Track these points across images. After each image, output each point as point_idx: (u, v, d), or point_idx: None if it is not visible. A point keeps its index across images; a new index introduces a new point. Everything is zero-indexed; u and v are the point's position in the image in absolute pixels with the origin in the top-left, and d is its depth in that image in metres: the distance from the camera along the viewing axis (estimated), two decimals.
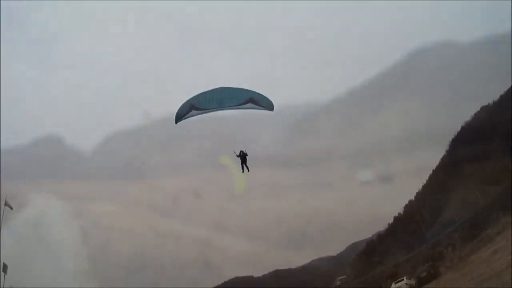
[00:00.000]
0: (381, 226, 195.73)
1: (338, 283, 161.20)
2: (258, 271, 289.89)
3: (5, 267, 35.23)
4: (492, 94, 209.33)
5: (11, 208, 40.07)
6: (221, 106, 14.41)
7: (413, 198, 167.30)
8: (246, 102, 14.79)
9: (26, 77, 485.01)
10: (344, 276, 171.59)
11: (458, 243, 61.41)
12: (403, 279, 44.90)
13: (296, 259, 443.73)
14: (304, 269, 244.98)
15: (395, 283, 45.82)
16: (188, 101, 14.45)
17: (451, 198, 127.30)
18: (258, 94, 14.89)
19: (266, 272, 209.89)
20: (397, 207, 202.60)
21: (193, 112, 14.68)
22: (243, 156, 16.71)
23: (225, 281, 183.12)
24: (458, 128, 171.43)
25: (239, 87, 14.80)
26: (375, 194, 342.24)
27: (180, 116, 14.59)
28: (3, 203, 38.68)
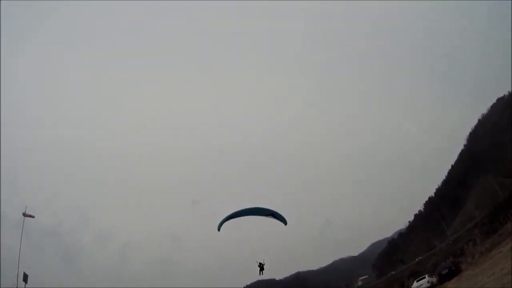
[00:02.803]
0: (402, 224, 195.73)
1: (360, 283, 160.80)
2: (280, 274, 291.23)
3: (25, 277, 35.78)
4: (507, 85, 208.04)
5: (33, 217, 40.83)
6: (251, 214, 18.56)
7: (432, 194, 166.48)
8: (269, 215, 19.20)
9: None
10: (366, 276, 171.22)
11: (479, 238, 60.86)
12: (424, 277, 44.39)
13: (318, 260, 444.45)
14: (326, 270, 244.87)
15: (417, 281, 45.32)
16: (230, 214, 18.32)
17: (470, 193, 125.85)
18: (279, 213, 19.39)
19: (287, 274, 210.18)
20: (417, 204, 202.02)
21: (230, 219, 18.49)
22: (262, 265, 20.53)
23: (247, 285, 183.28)
24: (475, 122, 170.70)
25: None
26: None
27: (221, 224, 18.30)
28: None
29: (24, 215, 40.01)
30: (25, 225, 39.63)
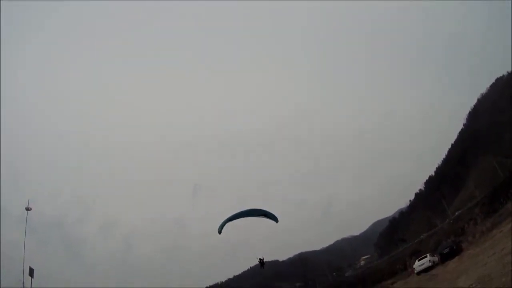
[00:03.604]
0: (403, 203, 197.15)
1: (362, 262, 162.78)
2: (283, 255, 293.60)
3: (31, 271, 35.74)
4: (506, 64, 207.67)
5: (30, 209, 40.68)
6: (246, 216, 20.13)
7: (433, 173, 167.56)
8: (261, 215, 20.64)
9: None
10: (368, 255, 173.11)
11: (479, 218, 61.68)
12: (426, 256, 45.08)
13: (320, 241, 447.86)
14: (328, 250, 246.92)
15: (419, 260, 45.99)
16: (227, 218, 19.69)
17: (470, 172, 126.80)
18: (270, 212, 20.83)
19: (291, 255, 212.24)
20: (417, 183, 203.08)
21: (228, 222, 19.84)
22: (262, 261, 22.62)
23: (251, 267, 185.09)
24: (475, 101, 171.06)
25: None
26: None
27: (222, 227, 19.73)
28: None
29: (27, 209, 40.30)
30: (29, 219, 39.94)
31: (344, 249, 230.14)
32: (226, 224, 20.24)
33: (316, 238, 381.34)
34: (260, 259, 22.74)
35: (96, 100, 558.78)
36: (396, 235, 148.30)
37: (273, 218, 21.05)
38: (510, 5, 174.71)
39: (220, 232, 19.98)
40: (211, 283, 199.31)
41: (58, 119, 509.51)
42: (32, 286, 35.15)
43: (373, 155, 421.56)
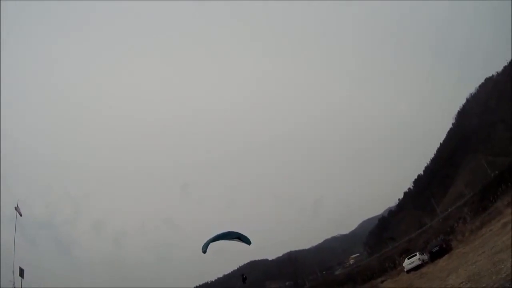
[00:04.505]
0: (392, 202, 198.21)
1: (352, 261, 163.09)
2: (272, 254, 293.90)
3: (21, 271, 35.04)
4: (495, 65, 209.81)
5: (21, 215, 39.54)
6: (224, 238, 21.01)
7: (421, 172, 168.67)
8: (236, 238, 21.32)
9: None
10: (358, 254, 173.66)
11: (469, 217, 61.98)
12: (416, 254, 45.21)
13: (309, 240, 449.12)
14: (318, 249, 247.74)
15: (408, 259, 46.09)
16: (210, 239, 20.46)
17: (459, 171, 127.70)
18: (244, 235, 21.50)
19: (280, 254, 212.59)
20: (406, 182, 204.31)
21: (210, 243, 20.46)
22: (244, 278, 24.67)
23: (240, 266, 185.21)
24: (463, 101, 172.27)
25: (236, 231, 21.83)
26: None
27: (205, 247, 20.25)
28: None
29: (16, 209, 39.48)
30: (18, 219, 39.21)
31: (333, 248, 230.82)
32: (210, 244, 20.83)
33: (305, 237, 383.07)
34: (242, 275, 24.94)
35: (82, 91, 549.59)
36: (385, 234, 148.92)
37: (246, 241, 21.99)
38: (499, 5, 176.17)
39: (205, 251, 20.37)
40: (201, 282, 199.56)
41: (46, 116, 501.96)
42: (23, 286, 34.57)
43: (362, 154, 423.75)
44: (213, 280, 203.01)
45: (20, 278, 34.84)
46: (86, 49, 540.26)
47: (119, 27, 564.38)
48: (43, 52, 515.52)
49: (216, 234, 21.00)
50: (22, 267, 35.74)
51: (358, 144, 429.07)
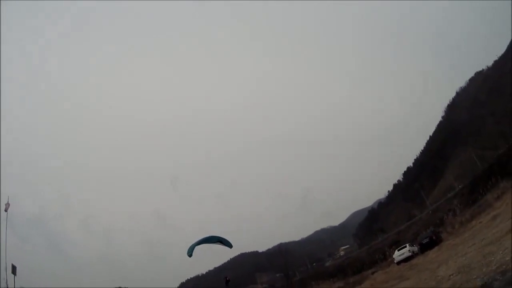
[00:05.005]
0: (381, 194, 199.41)
1: (342, 252, 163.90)
2: (262, 246, 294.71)
3: (14, 269, 34.64)
4: (486, 59, 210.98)
5: (6, 211, 38.76)
6: (207, 242, 21.88)
7: (411, 165, 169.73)
8: (218, 242, 22.35)
9: None
10: (348, 246, 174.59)
11: (458, 209, 62.58)
12: (406, 246, 45.55)
13: (299, 231, 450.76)
14: (308, 240, 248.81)
15: (398, 250, 46.43)
16: (195, 243, 21.19)
17: (449, 164, 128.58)
18: (225, 239, 22.68)
19: (270, 246, 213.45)
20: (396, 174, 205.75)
21: (195, 247, 21.23)
22: (227, 280, 25.17)
23: (230, 258, 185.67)
24: (453, 94, 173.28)
25: (217, 235, 22.87)
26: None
27: (191, 251, 20.90)
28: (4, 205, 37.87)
29: (6, 205, 38.94)
30: (9, 215, 38.67)
31: (323, 240, 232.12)
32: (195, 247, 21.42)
33: (295, 229, 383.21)
34: (225, 277, 25.53)
35: (72, 93, 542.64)
36: (375, 226, 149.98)
37: (228, 244, 22.95)
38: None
39: (190, 255, 21.01)
40: (192, 275, 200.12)
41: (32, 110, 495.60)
42: (15, 284, 34.23)
43: (351, 147, 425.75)
44: (204, 273, 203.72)
45: (13, 275, 34.48)
46: (85, 48, 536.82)
47: (119, 27, 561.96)
48: (40, 50, 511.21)
49: (200, 239, 21.72)
50: (15, 265, 35.40)
51: (347, 137, 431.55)
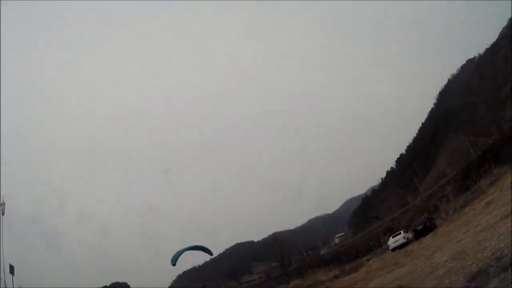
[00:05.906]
0: (374, 181, 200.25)
1: (336, 240, 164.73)
2: (257, 236, 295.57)
3: (12, 268, 34.28)
4: (478, 47, 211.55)
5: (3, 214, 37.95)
6: (190, 250, 22.50)
7: (404, 151, 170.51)
8: (199, 249, 23.29)
9: None
10: (343, 233, 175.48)
11: (452, 195, 62.91)
12: (400, 233, 45.85)
13: (294, 220, 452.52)
14: (302, 229, 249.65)
15: (393, 237, 46.72)
16: (179, 251, 21.75)
17: (442, 151, 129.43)
18: (207, 248, 23.73)
19: (265, 235, 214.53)
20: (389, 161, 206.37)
21: (179, 256, 21.86)
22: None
23: (226, 249, 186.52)
24: (445, 81, 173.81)
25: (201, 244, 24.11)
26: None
27: (175, 260, 21.59)
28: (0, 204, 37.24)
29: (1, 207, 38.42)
30: (4, 216, 38.22)
31: (318, 228, 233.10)
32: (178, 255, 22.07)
33: (289, 217, 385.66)
34: (204, 286, 27.57)
35: (63, 87, 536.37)
36: (369, 213, 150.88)
37: (209, 252, 24.14)
38: None
39: (174, 264, 21.75)
40: (189, 267, 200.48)
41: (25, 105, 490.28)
42: (14, 284, 33.99)
43: (344, 134, 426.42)
44: (201, 264, 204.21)
45: (11, 275, 34.21)
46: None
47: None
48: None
49: (183, 248, 22.57)
50: (12, 264, 35.10)
51: (340, 125, 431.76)
